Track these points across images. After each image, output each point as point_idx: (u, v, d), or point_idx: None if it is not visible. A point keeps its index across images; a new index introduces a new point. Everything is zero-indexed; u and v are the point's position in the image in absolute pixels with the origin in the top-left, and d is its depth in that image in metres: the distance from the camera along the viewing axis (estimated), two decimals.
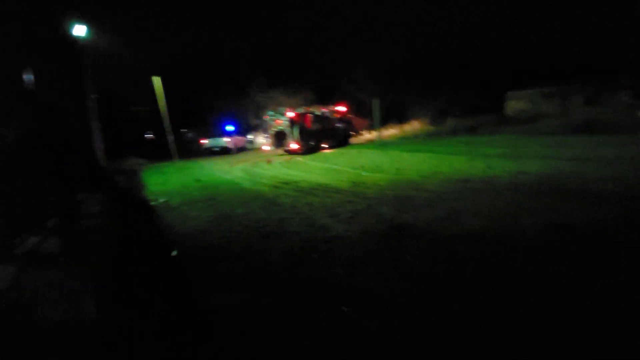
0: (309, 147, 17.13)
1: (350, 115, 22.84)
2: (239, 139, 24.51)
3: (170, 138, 19.07)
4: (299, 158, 14.88)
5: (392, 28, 28.48)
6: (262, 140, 20.34)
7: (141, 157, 19.44)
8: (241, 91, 29.37)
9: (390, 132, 23.98)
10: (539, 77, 25.96)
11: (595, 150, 8.63)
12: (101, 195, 6.14)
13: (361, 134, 25.87)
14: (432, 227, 4.08)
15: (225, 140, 22.74)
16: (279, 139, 18.34)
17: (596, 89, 21.42)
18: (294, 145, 16.92)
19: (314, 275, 3.16)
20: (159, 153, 21.00)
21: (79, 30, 14.86)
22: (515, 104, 25.94)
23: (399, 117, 26.75)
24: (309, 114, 18.22)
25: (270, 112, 18.54)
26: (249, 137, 29.76)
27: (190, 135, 31.01)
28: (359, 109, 26.38)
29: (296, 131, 16.99)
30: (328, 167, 10.83)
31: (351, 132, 22.83)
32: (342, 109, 20.55)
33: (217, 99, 29.68)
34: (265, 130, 19.04)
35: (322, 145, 18.13)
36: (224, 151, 22.39)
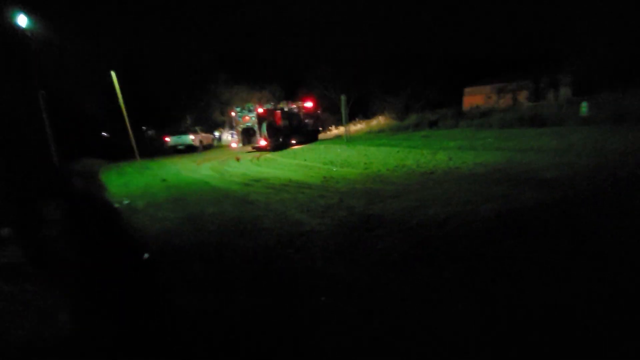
0: (278, 144, 17.06)
1: (318, 111, 23.00)
2: (205, 136, 23.65)
3: (130, 136, 18.08)
4: (269, 155, 14.79)
5: (358, 25, 29.00)
6: (229, 137, 19.91)
7: (98, 158, 18.26)
8: (204, 86, 28.48)
9: (357, 127, 24.46)
10: (493, 74, 27.86)
11: (541, 140, 9.47)
12: (61, 200, 5.76)
13: (329, 130, 26.16)
14: (400, 216, 4.33)
15: (191, 138, 21.73)
16: (247, 135, 18.10)
17: (544, 85, 23.43)
18: (262, 142, 16.77)
19: (291, 268, 3.26)
20: (118, 153, 19.85)
21: (21, 20, 13.66)
22: (471, 99, 27.64)
23: (365, 113, 27.39)
24: (277, 110, 18.10)
25: (237, 108, 18.20)
26: (216, 134, 28.87)
27: (151, 133, 29.58)
28: (326, 104, 26.66)
29: (264, 128, 16.85)
30: (298, 163, 10.90)
31: (319, 128, 23.00)
32: (310, 105, 20.61)
33: (179, 95, 28.56)
34: (231, 127, 18.67)
35: (291, 141, 18.12)
36: (190, 149, 21.46)
